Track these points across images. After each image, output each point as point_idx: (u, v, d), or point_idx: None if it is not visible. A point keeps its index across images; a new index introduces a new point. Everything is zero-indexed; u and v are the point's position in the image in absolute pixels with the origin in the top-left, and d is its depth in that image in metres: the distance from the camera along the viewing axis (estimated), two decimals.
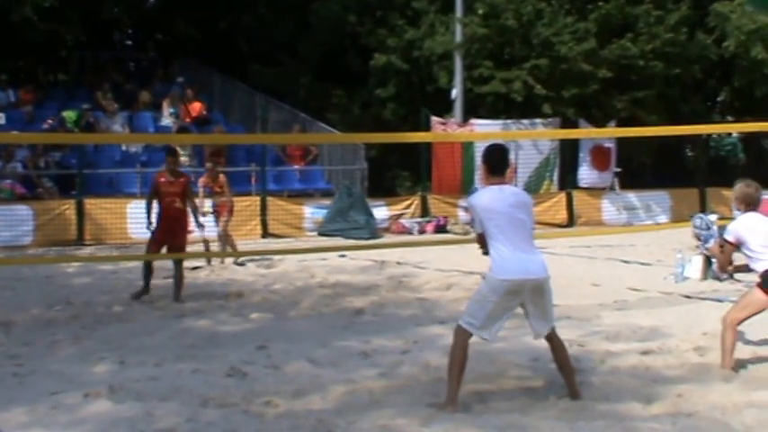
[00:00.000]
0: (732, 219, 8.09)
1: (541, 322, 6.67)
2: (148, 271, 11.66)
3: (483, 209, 6.61)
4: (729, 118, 26.82)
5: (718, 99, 27.72)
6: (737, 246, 7.60)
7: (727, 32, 23.25)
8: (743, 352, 7.89)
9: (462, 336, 6.59)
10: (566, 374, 6.77)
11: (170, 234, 11.60)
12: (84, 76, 26.48)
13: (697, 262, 12.77)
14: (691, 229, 8.54)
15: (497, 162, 6.84)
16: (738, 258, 7.78)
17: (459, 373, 6.52)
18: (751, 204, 7.73)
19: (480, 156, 7.10)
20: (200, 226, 13.49)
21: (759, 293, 7.49)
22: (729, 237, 7.67)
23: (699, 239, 8.52)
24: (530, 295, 6.53)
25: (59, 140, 19.20)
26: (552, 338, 6.76)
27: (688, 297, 11.35)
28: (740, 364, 7.52)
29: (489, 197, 6.65)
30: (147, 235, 11.71)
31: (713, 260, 12.63)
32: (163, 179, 11.72)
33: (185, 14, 27.61)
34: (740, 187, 7.83)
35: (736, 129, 24.63)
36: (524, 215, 6.63)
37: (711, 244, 8.34)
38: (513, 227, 6.54)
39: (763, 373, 7.40)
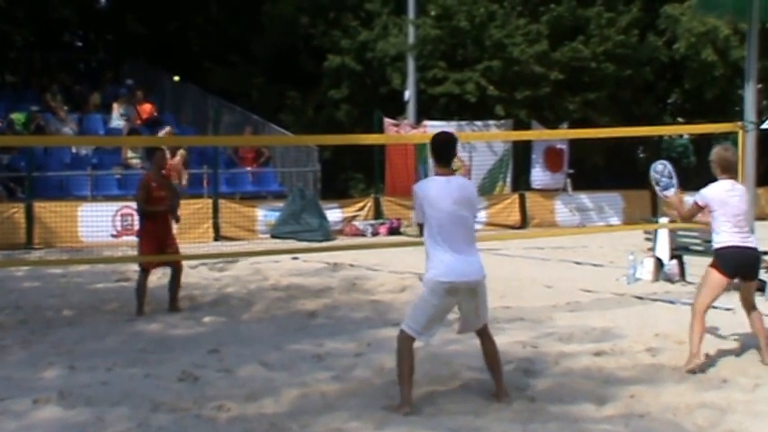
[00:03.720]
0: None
1: (471, 320, 6.72)
2: (144, 288, 10.95)
3: (428, 202, 6.54)
4: (680, 119, 27.14)
5: (669, 101, 28.04)
6: (703, 209, 7.74)
7: (677, 35, 23.55)
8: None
9: (406, 342, 6.60)
10: (495, 373, 6.81)
11: (167, 238, 11.09)
12: (32, 77, 26.11)
13: (649, 264, 12.89)
14: (651, 174, 8.53)
15: (444, 150, 6.73)
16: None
17: (409, 376, 6.53)
18: (728, 169, 7.80)
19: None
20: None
21: (715, 274, 7.65)
22: (700, 200, 7.76)
23: (657, 185, 8.49)
24: (464, 296, 6.56)
25: (8, 143, 18.91)
26: (483, 336, 6.80)
27: (640, 298, 11.44)
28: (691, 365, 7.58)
29: (436, 190, 6.57)
30: (98, 238, 11.43)
31: (665, 263, 12.79)
32: (154, 183, 11.03)
33: (136, 15, 27.35)
34: (718, 151, 7.90)
35: (687, 130, 24.89)
36: (467, 212, 6.60)
37: (671, 192, 8.32)
38: (455, 226, 6.51)
39: (715, 374, 7.47)
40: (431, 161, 6.97)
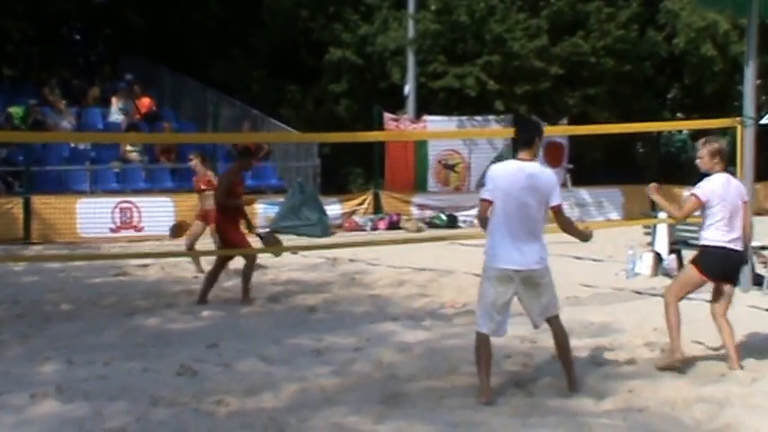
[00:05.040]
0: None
1: (534, 311, 6.77)
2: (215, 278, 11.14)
3: (496, 184, 6.62)
4: (680, 115, 27.14)
5: (669, 96, 28.04)
6: (703, 204, 7.40)
7: (677, 29, 23.53)
8: (692, 348, 7.96)
9: (478, 338, 6.71)
10: (564, 366, 6.89)
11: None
12: (31, 71, 26.06)
13: (648, 258, 12.89)
14: None
15: (522, 133, 6.84)
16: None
17: (486, 368, 6.62)
18: (724, 160, 7.52)
19: None
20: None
21: (693, 271, 7.44)
22: (702, 195, 7.42)
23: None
24: (521, 285, 6.62)
25: (5, 138, 18.89)
26: (553, 327, 6.87)
27: (639, 293, 11.43)
28: (690, 360, 7.57)
29: (505, 174, 6.64)
30: (97, 233, 11.41)
31: (664, 257, 12.79)
32: (237, 179, 11.24)
33: (135, 9, 27.28)
34: (717, 143, 7.59)
35: (686, 126, 24.90)
36: (534, 200, 6.61)
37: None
38: (518, 212, 6.57)
39: (713, 368, 7.46)
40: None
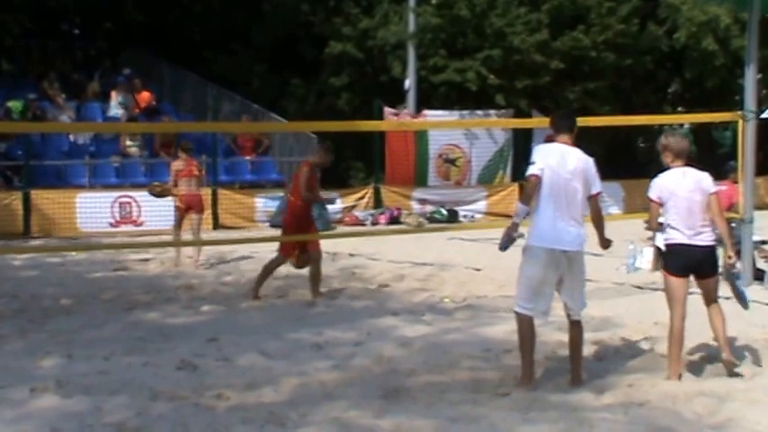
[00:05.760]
0: None
1: (576, 298, 6.90)
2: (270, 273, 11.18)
3: (547, 163, 6.69)
4: (680, 109, 27.08)
5: (670, 90, 27.99)
6: (661, 205, 7.14)
7: (678, 24, 23.47)
8: (693, 342, 7.94)
9: (521, 321, 6.77)
10: (573, 361, 6.97)
11: (310, 226, 11.26)
12: (30, 65, 26.01)
13: (648, 253, 12.86)
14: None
15: (559, 120, 7.10)
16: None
17: (530, 353, 6.73)
18: (680, 155, 7.24)
19: None
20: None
21: (668, 278, 7.14)
22: (652, 193, 7.21)
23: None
24: (565, 268, 6.72)
25: (4, 129, 18.85)
26: (571, 322, 6.99)
27: (639, 288, 11.43)
28: (690, 353, 7.56)
29: (555, 156, 6.75)
30: (96, 227, 11.38)
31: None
32: (316, 173, 11.05)
33: (135, 2, 27.22)
34: (665, 136, 7.45)
35: (687, 120, 24.84)
36: (579, 184, 6.73)
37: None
38: (565, 194, 6.67)
39: (713, 362, 7.44)
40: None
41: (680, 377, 6.97)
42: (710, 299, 7.25)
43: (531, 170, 6.73)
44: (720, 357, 7.19)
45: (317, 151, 11.34)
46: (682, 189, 7.10)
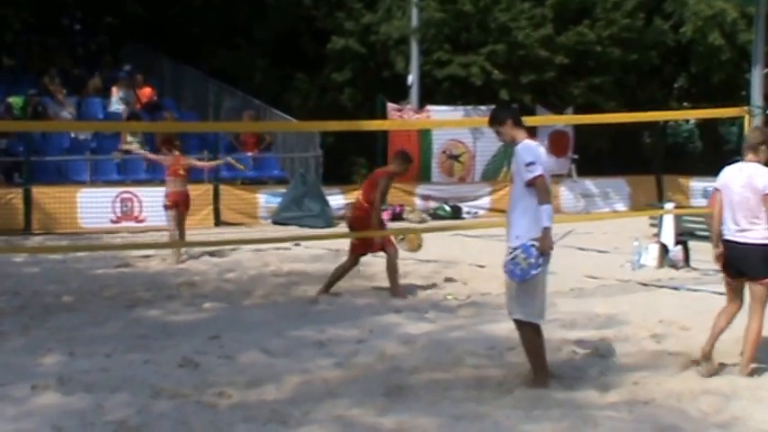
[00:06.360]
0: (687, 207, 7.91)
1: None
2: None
3: (541, 162, 6.84)
4: (686, 104, 27.02)
5: (676, 85, 27.93)
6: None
7: (684, 18, 23.36)
8: (698, 340, 7.87)
9: (538, 331, 6.81)
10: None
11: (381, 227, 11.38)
12: (30, 60, 25.95)
13: (653, 250, 12.81)
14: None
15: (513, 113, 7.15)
16: None
17: (545, 356, 6.83)
18: (748, 149, 7.06)
19: None
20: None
21: (723, 275, 7.15)
22: (717, 182, 7.16)
23: None
24: None
25: (5, 128, 18.79)
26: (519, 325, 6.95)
27: (644, 285, 11.39)
28: (696, 352, 7.51)
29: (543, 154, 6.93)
30: (97, 224, 11.33)
31: (669, 249, 12.70)
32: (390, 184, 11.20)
33: None
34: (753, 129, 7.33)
35: (693, 115, 24.79)
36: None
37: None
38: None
39: (719, 360, 7.38)
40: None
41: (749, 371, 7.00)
42: (752, 306, 7.04)
43: (537, 171, 6.76)
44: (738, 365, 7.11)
45: (395, 161, 11.28)
46: (735, 184, 7.00)
